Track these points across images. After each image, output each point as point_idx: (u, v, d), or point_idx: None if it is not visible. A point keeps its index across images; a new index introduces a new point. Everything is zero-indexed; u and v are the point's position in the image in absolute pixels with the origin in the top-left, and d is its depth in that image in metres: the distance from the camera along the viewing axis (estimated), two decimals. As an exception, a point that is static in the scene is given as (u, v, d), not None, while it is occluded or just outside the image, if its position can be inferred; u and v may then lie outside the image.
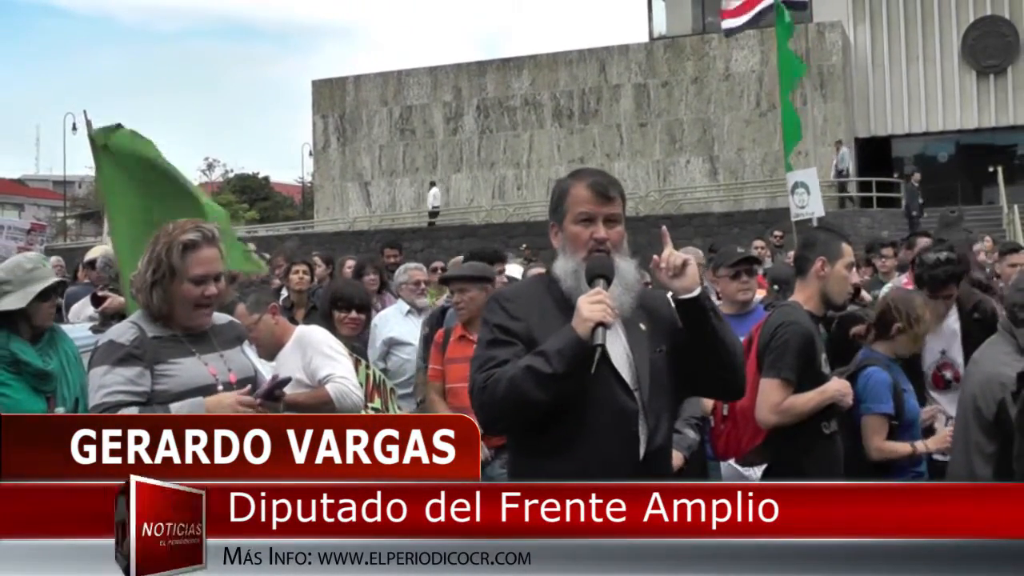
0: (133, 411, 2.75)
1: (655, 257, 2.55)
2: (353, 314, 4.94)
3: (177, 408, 2.77)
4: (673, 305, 2.57)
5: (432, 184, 28.79)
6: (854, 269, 3.69)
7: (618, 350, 2.49)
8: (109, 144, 4.49)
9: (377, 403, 4.61)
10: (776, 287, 6.35)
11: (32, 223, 10.19)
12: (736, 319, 4.64)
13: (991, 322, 4.30)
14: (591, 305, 2.36)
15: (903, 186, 22.96)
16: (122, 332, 2.89)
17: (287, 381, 3.00)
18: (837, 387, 3.55)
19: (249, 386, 2.90)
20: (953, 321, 4.55)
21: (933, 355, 4.53)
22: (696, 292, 2.49)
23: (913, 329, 4.00)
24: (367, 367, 4.62)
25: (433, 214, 27.95)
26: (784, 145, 14.11)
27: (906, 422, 3.94)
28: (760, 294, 6.83)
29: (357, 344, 5.03)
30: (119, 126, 4.56)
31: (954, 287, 4.49)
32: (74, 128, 37.05)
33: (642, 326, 2.55)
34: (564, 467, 2.37)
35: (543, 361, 2.35)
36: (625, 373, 2.48)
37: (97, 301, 5.72)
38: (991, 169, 24.55)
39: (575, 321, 2.38)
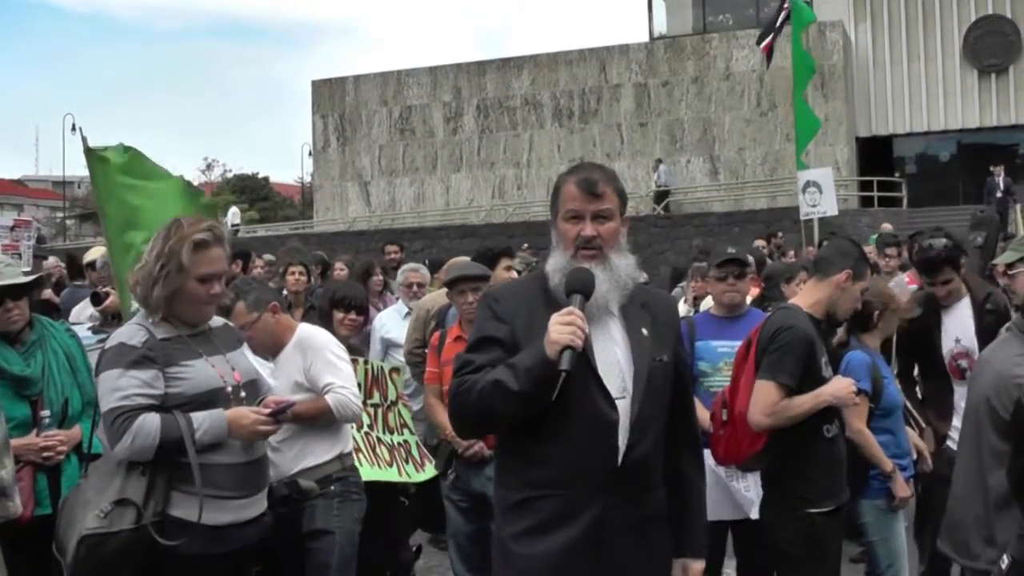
0: (153, 416, 2.77)
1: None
2: (352, 315, 4.94)
3: (199, 421, 2.81)
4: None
5: (231, 204, 30.78)
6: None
7: (612, 356, 2.39)
8: (105, 157, 4.56)
9: (376, 398, 4.59)
10: (765, 285, 6.29)
11: (15, 220, 9.93)
12: (727, 322, 4.55)
13: (1004, 314, 4.28)
14: (560, 326, 2.23)
15: (988, 181, 22.70)
16: (132, 334, 2.88)
17: (291, 405, 3.13)
18: (832, 390, 3.50)
19: (268, 410, 2.96)
20: (965, 309, 4.55)
21: (948, 344, 4.56)
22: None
23: (889, 307, 4.13)
24: (365, 362, 4.61)
25: (234, 231, 28.67)
26: (797, 143, 13.98)
27: (885, 409, 3.98)
28: (755, 291, 6.76)
29: (355, 342, 5.01)
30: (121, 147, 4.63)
31: (951, 272, 4.51)
32: (73, 128, 37.10)
33: (644, 331, 2.44)
34: (542, 475, 2.34)
35: (511, 377, 2.26)
36: (613, 381, 2.37)
37: (98, 300, 5.71)
38: (992, 168, 24.45)
39: (547, 339, 2.25)
